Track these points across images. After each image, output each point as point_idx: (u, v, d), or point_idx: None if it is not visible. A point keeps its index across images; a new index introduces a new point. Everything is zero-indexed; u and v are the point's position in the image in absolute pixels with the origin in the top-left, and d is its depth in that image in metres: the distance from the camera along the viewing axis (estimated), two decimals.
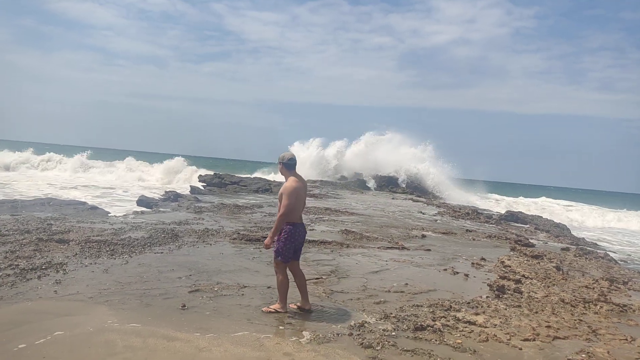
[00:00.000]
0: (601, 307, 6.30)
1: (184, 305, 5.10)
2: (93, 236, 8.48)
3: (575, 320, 5.68)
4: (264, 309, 5.13)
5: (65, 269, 6.25)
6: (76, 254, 7.11)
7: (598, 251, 13.41)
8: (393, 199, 30.23)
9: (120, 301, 5.12)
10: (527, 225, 19.55)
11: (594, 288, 7.37)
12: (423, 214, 19.78)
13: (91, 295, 5.25)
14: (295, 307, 5.34)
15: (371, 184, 42.68)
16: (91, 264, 6.66)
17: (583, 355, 4.48)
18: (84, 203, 13.09)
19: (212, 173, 33.11)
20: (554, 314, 5.85)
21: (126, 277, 6.07)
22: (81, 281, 5.78)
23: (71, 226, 9.37)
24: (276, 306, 5.15)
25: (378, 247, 9.89)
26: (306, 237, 5.58)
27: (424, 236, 12.41)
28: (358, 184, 42.24)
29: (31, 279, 5.74)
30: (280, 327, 4.73)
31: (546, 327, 5.28)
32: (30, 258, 6.65)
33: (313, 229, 11.64)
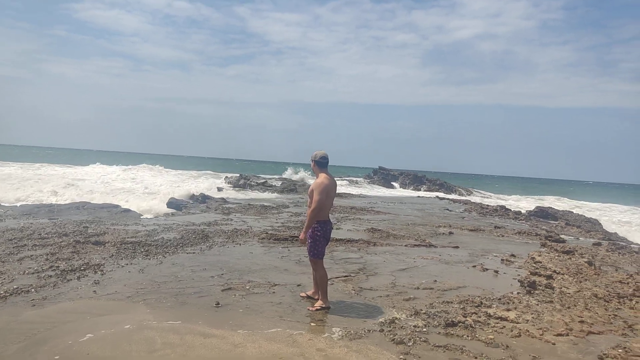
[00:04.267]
0: (637, 302, 6.17)
1: (218, 303, 5.24)
2: (128, 238, 8.74)
3: (609, 315, 5.59)
4: (310, 308, 5.24)
5: (102, 270, 6.48)
6: (112, 255, 7.36)
7: (632, 246, 13.06)
8: (419, 196, 30.03)
9: (156, 300, 5.30)
10: (557, 221, 19.16)
11: (628, 283, 7.21)
12: (450, 211, 19.61)
13: (129, 295, 5.44)
14: (305, 295, 5.62)
15: (396, 181, 42.46)
16: (127, 264, 6.88)
17: (619, 351, 4.41)
18: (117, 206, 13.46)
19: (237, 175, 33.55)
20: (587, 309, 5.77)
21: (161, 277, 6.26)
22: (118, 281, 5.99)
23: (106, 228, 9.68)
24: (320, 303, 5.28)
25: (405, 245, 9.89)
26: (333, 236, 5.67)
27: (451, 233, 12.32)
28: (383, 182, 42.11)
29: (71, 279, 5.98)
30: (312, 324, 4.81)
31: (579, 322, 5.22)
32: (69, 260, 6.92)
33: (340, 228, 11.71)
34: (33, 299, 5.14)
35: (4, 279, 5.83)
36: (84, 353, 3.89)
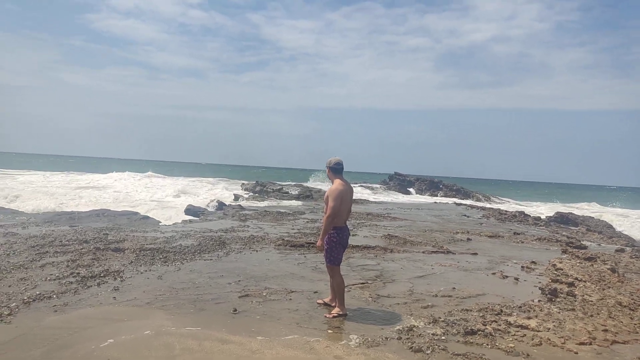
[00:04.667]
0: None
1: (235, 310, 5.26)
2: (146, 244, 8.85)
3: (635, 324, 5.45)
4: (326, 315, 5.23)
5: (122, 276, 6.56)
6: (132, 262, 7.45)
7: None
8: (435, 202, 29.79)
9: (175, 306, 5.34)
10: (578, 227, 18.81)
11: None
12: (467, 217, 19.40)
13: (148, 301, 5.50)
14: (322, 302, 5.62)
15: (412, 187, 42.22)
16: (146, 271, 6.96)
17: None
18: (136, 213, 13.66)
19: (254, 182, 33.73)
20: (611, 317, 5.64)
21: (179, 283, 6.32)
22: (138, 287, 6.06)
23: (125, 235, 9.81)
24: (337, 310, 5.27)
25: (422, 252, 9.81)
26: (350, 243, 5.65)
27: (469, 240, 12.19)
28: (399, 188, 41.91)
29: (91, 286, 6.07)
30: (329, 331, 4.79)
31: (603, 330, 5.10)
32: (89, 266, 7.03)
33: (356, 234, 11.67)
34: (55, 305, 5.23)
35: (27, 285, 5.94)
36: (104, 358, 3.94)
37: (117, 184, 30.42)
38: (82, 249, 8.15)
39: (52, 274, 6.46)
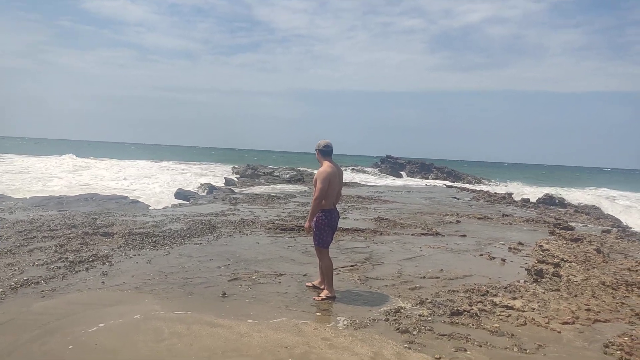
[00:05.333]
0: None
1: (225, 294, 5.28)
2: (135, 229, 8.82)
3: (617, 303, 5.57)
4: (315, 297, 5.27)
5: (111, 261, 6.55)
6: (120, 246, 7.43)
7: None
8: (426, 185, 29.94)
9: (164, 290, 5.35)
10: (566, 209, 19.03)
11: (637, 270, 7.17)
12: (457, 199, 19.54)
13: (137, 286, 5.50)
14: (311, 285, 5.69)
15: (404, 170, 42.35)
16: (135, 255, 6.95)
17: (625, 339, 4.40)
18: (125, 197, 13.58)
19: (245, 165, 33.63)
20: (594, 297, 5.75)
21: (168, 268, 6.32)
22: (126, 272, 6.06)
23: (114, 220, 9.76)
24: (325, 292, 5.31)
25: (412, 234, 9.88)
26: (339, 226, 5.67)
27: (458, 222, 12.29)
28: (391, 171, 42.03)
29: (80, 271, 6.05)
30: (318, 314, 4.84)
31: (586, 310, 5.20)
32: (77, 251, 7.00)
33: (346, 217, 11.72)
34: (43, 290, 5.21)
35: (15, 270, 5.91)
36: (92, 343, 3.95)
37: (36, 167, 30.03)
38: (70, 233, 8.10)
39: (40, 259, 6.43)
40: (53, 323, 4.33)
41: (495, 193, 22.94)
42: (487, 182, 39.67)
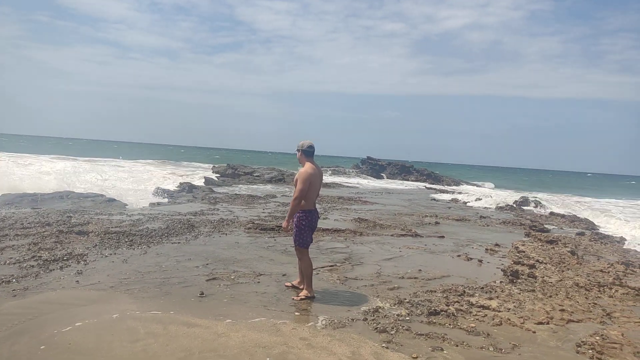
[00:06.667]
0: (616, 290, 6.29)
1: (202, 293, 5.23)
2: (112, 227, 8.66)
3: (589, 303, 5.70)
4: (294, 297, 5.26)
5: (86, 260, 6.42)
6: (96, 245, 7.29)
7: (614, 236, 13.28)
8: (406, 187, 30.19)
9: (140, 290, 5.27)
10: (542, 211, 19.40)
11: (609, 272, 7.35)
12: (436, 201, 19.75)
13: (112, 285, 5.40)
14: (290, 284, 5.67)
15: (384, 172, 42.58)
16: (111, 254, 6.83)
17: (597, 338, 4.50)
18: (102, 195, 13.30)
19: (225, 164, 33.36)
20: (568, 298, 5.87)
21: (145, 267, 6.23)
22: (102, 271, 5.95)
23: (90, 218, 9.58)
24: (305, 292, 5.30)
25: (391, 235, 9.95)
26: (319, 226, 5.68)
27: (437, 223, 12.42)
28: (371, 172, 42.22)
29: (54, 269, 5.92)
30: (297, 313, 4.83)
31: (560, 310, 5.31)
32: (52, 250, 6.84)
33: (326, 218, 11.73)
34: (14, 289, 5.07)
35: None
36: (66, 343, 3.85)
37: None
38: (44, 232, 7.91)
39: (12, 258, 6.26)
40: (24, 323, 4.22)
41: (473, 194, 23.23)
42: (466, 185, 40.17)
